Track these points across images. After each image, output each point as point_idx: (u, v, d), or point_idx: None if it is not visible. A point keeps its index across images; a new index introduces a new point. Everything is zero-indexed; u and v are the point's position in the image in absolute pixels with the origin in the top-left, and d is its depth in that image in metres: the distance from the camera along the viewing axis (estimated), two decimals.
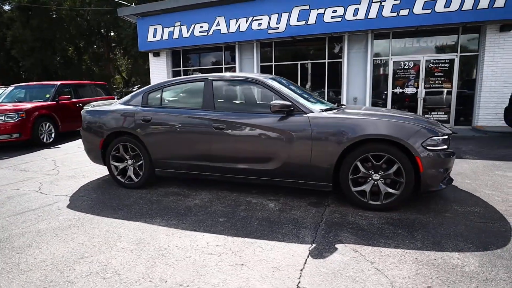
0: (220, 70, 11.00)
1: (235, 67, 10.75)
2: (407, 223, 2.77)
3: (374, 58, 8.84)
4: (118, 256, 2.36)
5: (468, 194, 3.43)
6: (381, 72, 8.91)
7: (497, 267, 2.09)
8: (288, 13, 8.69)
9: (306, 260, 2.24)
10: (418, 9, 7.26)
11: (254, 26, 9.29)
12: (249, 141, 3.30)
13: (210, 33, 10.01)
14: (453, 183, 3.62)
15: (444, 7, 7.04)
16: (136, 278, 2.09)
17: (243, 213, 3.10)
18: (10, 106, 7.16)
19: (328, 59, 9.50)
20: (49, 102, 7.71)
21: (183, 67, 11.86)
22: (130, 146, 3.84)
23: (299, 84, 8.81)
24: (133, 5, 11.22)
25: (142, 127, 3.71)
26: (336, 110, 3.35)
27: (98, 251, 2.44)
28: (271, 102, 3.09)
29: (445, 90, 8.29)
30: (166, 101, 3.84)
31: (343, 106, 3.68)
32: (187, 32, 10.38)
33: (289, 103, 3.13)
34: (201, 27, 10.10)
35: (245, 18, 9.36)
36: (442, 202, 3.22)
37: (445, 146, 2.95)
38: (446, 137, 2.98)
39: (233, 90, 3.78)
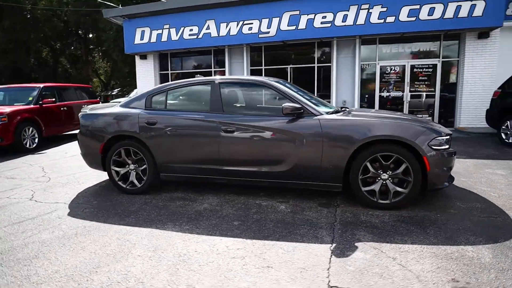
0: (209, 74, 10.94)
1: (224, 70, 10.73)
2: (417, 220, 2.87)
3: (362, 63, 9.12)
4: (136, 264, 2.29)
5: (467, 191, 3.61)
6: (369, 76, 9.21)
7: (510, 258, 2.21)
8: (278, 18, 8.81)
9: (330, 260, 2.26)
10: (403, 16, 7.59)
11: (245, 30, 9.34)
12: (260, 144, 3.31)
13: (200, 36, 9.96)
14: None
15: (428, 15, 7.42)
16: (161, 285, 2.02)
17: (256, 215, 3.09)
18: None
19: (317, 63, 9.70)
20: (32, 106, 7.34)
21: (171, 70, 11.70)
22: (133, 150, 3.73)
23: None
24: (120, 7, 10.92)
25: (147, 131, 3.62)
26: (342, 113, 3.42)
27: (113, 260, 2.35)
28: (283, 105, 3.12)
29: (429, 94, 8.70)
30: (171, 103, 3.77)
31: (347, 109, 3.77)
32: (176, 35, 10.26)
33: (299, 105, 3.17)
34: (191, 30, 10.03)
35: (236, 22, 9.39)
36: (445, 199, 3.37)
37: (448, 146, 3.09)
38: (449, 137, 3.12)
39: (240, 93, 3.78)
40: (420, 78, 8.62)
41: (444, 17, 7.32)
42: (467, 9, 7.15)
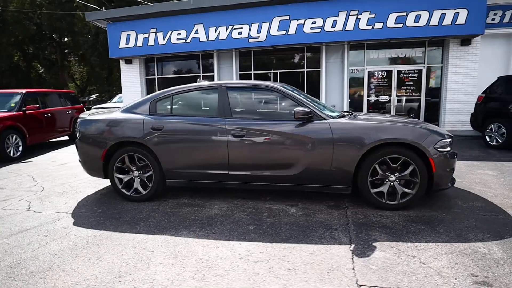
0: (197, 78, 10.87)
1: (213, 75, 10.70)
2: (426, 220, 2.99)
3: (350, 68, 9.39)
4: (160, 271, 2.24)
5: (465, 192, 3.79)
6: (357, 81, 9.48)
7: None
8: (268, 23, 8.92)
9: (352, 260, 2.31)
10: (391, 23, 7.91)
11: (234, 34, 9.38)
12: (270, 148, 3.33)
13: (189, 40, 9.88)
14: None
15: (414, 22, 7.77)
16: None
17: (269, 219, 3.11)
18: None
19: (306, 68, 9.87)
20: (15, 112, 6.99)
21: (157, 75, 11.52)
22: (137, 157, 3.65)
23: None
24: (103, 10, 10.65)
25: (152, 136, 3.56)
26: (348, 117, 3.51)
27: (134, 269, 2.29)
28: (295, 109, 3.17)
29: (415, 98, 9.08)
30: (176, 108, 3.73)
31: (352, 113, 3.87)
32: (164, 39, 10.13)
33: (309, 110, 3.24)
34: (179, 34, 9.93)
35: (225, 27, 9.41)
36: (447, 199, 3.53)
37: (450, 148, 3.25)
38: (451, 139, 3.28)
39: (249, 97, 3.79)
40: (407, 83, 8.99)
41: (429, 24, 7.71)
42: (451, 17, 7.56)
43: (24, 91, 7.55)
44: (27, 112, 7.24)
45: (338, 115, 3.53)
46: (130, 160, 3.69)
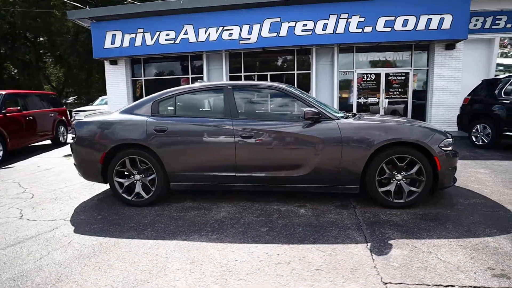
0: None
1: (202, 77, 10.57)
2: (433, 217, 3.06)
3: (340, 70, 9.56)
4: (179, 278, 2.15)
5: (464, 189, 3.92)
6: (347, 83, 9.67)
7: None
8: (259, 25, 8.93)
9: (372, 258, 2.32)
10: (380, 27, 8.13)
11: (225, 36, 9.32)
12: (279, 149, 3.31)
13: (177, 41, 9.72)
14: None
15: (402, 26, 8.04)
16: None
17: (280, 221, 3.07)
18: None
19: (297, 70, 9.96)
20: None
21: (144, 76, 11.24)
22: (139, 159, 3.52)
23: None
24: (87, 8, 10.25)
25: (156, 138, 3.45)
26: (354, 118, 3.55)
27: (151, 276, 2.19)
28: (305, 110, 3.17)
29: (402, 100, 9.37)
30: (180, 109, 3.63)
31: (357, 114, 3.91)
32: (151, 40, 9.91)
33: (317, 110, 3.24)
34: (167, 35, 9.75)
35: (215, 28, 9.33)
36: (448, 197, 3.63)
37: (452, 147, 3.35)
38: (452, 139, 3.39)
39: (255, 98, 3.75)
40: (394, 85, 9.27)
41: (416, 29, 8.00)
42: (437, 22, 7.88)
43: (3, 92, 7.14)
44: (7, 114, 6.85)
45: (342, 116, 3.56)
46: (131, 163, 3.56)
